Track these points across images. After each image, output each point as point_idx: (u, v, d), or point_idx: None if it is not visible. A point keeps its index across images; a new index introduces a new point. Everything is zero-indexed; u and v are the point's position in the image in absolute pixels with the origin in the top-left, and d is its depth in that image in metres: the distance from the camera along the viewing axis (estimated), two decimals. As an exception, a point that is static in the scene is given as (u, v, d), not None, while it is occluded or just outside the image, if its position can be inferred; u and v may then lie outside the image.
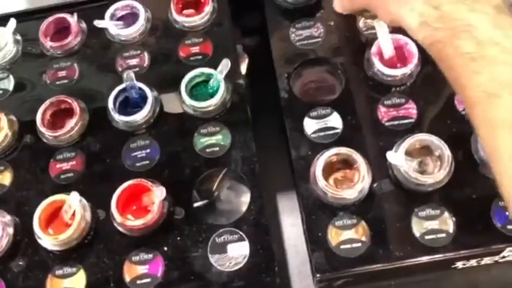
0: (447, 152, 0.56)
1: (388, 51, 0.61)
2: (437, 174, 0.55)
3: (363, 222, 0.56)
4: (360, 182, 0.56)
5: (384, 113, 0.62)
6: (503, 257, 0.57)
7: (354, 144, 0.60)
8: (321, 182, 0.57)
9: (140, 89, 0.65)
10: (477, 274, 0.59)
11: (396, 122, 0.61)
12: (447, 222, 0.56)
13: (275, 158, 0.66)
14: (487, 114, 0.41)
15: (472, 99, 0.42)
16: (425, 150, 0.58)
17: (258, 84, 0.71)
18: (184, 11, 0.71)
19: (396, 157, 0.55)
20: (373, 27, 0.63)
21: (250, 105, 0.67)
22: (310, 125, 0.62)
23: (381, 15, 0.50)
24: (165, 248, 0.58)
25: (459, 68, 0.43)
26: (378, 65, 0.62)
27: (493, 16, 0.42)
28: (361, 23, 0.67)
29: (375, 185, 0.58)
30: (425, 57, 0.62)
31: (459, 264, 0.57)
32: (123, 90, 0.66)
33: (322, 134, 0.62)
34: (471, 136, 0.58)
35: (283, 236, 0.67)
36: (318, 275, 0.56)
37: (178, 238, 0.59)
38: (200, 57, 0.69)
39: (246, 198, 0.60)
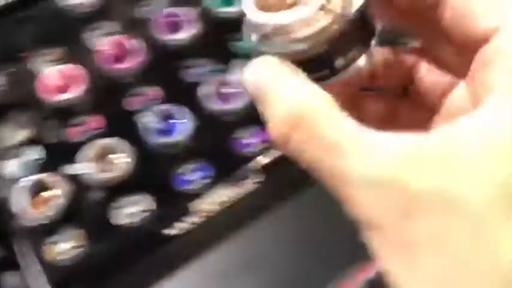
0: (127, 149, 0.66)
1: (51, 82, 0.70)
2: (119, 167, 0.65)
3: (77, 230, 0.63)
4: (55, 199, 0.63)
5: (74, 132, 0.70)
6: (200, 217, 0.65)
7: (54, 168, 0.66)
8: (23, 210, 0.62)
9: None
10: (192, 236, 0.67)
11: (88, 135, 0.69)
12: (147, 203, 0.65)
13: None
14: None
15: None
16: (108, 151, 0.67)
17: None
18: None
19: (74, 167, 0.63)
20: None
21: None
22: (10, 166, 0.67)
23: None
24: None
25: None
26: (47, 97, 0.70)
27: None
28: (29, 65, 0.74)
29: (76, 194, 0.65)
30: (91, 78, 0.72)
31: (171, 232, 0.66)
32: None
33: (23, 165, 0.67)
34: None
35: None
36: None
37: None
38: None
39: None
